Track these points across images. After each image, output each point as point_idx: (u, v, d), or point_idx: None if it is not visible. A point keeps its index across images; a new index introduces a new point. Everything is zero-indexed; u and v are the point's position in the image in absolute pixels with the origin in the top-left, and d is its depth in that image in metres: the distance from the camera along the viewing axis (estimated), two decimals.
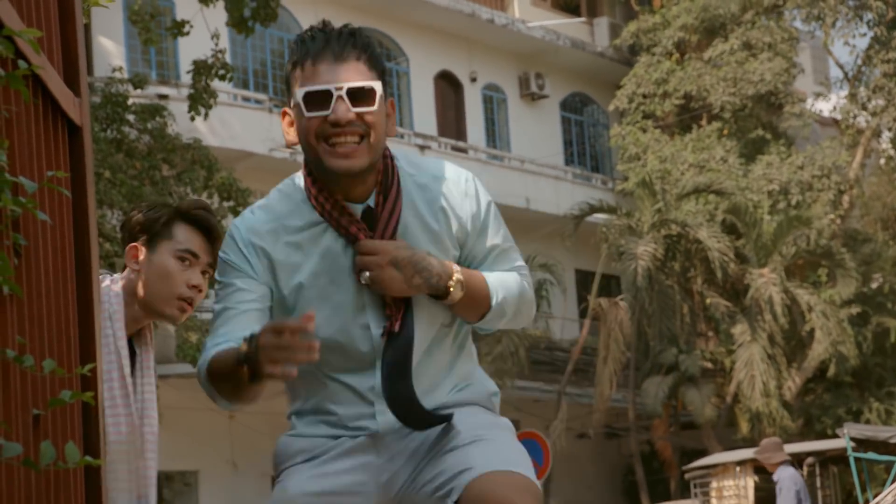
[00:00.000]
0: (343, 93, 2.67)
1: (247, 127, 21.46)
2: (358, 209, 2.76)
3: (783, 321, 23.44)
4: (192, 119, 14.99)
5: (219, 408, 2.85)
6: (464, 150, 26.19)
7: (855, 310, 25.09)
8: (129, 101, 15.29)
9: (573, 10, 30.25)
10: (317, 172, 2.75)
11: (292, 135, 2.77)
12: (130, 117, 15.21)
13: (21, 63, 2.18)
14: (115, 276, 3.47)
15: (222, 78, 14.56)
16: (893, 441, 16.19)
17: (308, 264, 2.76)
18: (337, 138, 2.67)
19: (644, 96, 27.73)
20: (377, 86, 2.71)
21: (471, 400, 2.87)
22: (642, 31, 28.21)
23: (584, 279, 26.94)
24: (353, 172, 2.70)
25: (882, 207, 29.19)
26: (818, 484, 18.99)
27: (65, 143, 2.61)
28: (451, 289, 2.74)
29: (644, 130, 27.51)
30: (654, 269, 23.05)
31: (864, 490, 16.46)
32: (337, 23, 2.79)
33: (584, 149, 29.71)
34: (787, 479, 12.17)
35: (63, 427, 2.44)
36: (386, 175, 2.77)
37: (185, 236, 3.42)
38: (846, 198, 27.13)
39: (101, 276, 3.31)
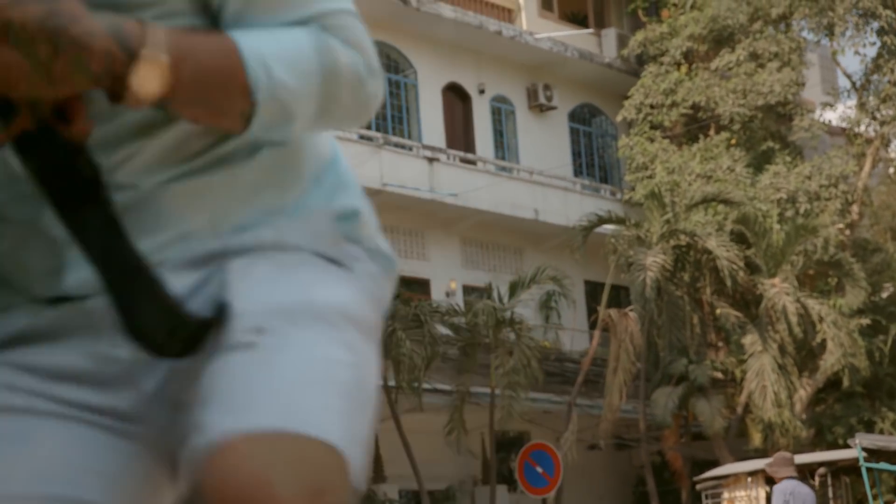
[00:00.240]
0: None
1: None
2: None
3: (797, 331, 23.37)
4: None
5: None
6: (472, 162, 26.21)
7: (865, 320, 25.02)
8: None
9: (581, 22, 30.28)
10: None
11: None
12: None
13: None
14: None
15: None
16: None
17: None
18: None
19: (652, 106, 27.72)
20: None
21: (278, 243, 1.57)
22: (650, 40, 28.22)
23: (593, 290, 26.92)
24: None
25: (892, 217, 29.12)
26: (830, 494, 18.94)
27: None
28: (140, 74, 1.36)
29: (652, 141, 27.50)
30: (663, 279, 23.01)
31: (875, 500, 16.43)
32: None
33: (592, 160, 29.71)
34: (778, 492, 12.24)
35: None
36: None
37: None
38: (855, 207, 27.09)
39: None
